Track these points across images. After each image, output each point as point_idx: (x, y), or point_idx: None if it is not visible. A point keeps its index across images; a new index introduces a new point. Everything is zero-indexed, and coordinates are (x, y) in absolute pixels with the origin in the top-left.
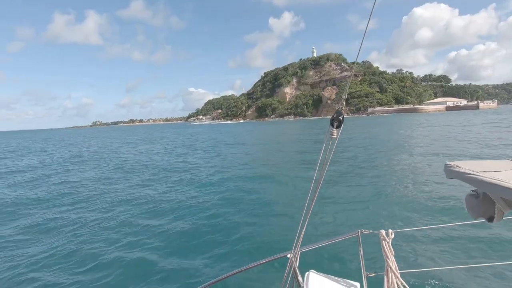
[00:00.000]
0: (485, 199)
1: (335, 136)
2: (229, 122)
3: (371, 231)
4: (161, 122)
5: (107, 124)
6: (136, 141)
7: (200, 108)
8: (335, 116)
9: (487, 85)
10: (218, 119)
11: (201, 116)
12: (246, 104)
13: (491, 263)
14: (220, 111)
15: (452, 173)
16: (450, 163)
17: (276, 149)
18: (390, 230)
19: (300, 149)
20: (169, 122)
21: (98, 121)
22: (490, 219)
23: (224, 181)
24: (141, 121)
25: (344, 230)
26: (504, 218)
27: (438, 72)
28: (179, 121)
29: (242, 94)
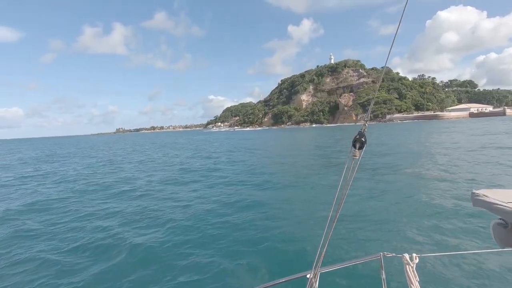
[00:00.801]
0: None
1: (357, 158)
2: (245, 129)
3: (394, 254)
4: (181, 129)
5: (130, 131)
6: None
7: (219, 115)
8: (357, 137)
9: None
10: (235, 126)
11: (219, 123)
12: (263, 111)
13: None
14: (237, 118)
15: (479, 202)
16: (477, 191)
17: (295, 160)
18: (414, 254)
19: (320, 160)
20: (188, 129)
21: (121, 128)
22: None
23: (242, 192)
24: (161, 128)
25: (366, 251)
26: None
27: (465, 77)
28: (197, 128)
29: (259, 102)
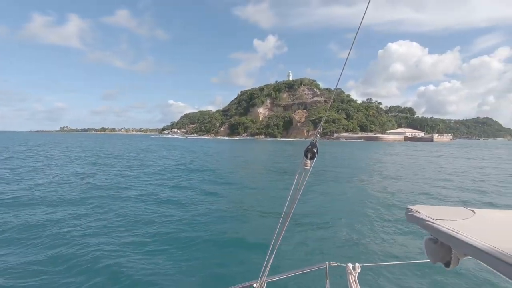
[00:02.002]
0: (443, 245)
1: (308, 168)
2: (199, 137)
3: (338, 263)
4: (134, 132)
5: (76, 130)
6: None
7: (176, 121)
8: (309, 147)
9: (450, 119)
10: (192, 134)
11: (175, 129)
12: (220, 121)
13: None
14: (194, 125)
15: (412, 218)
16: (411, 207)
17: (246, 171)
18: (357, 264)
19: (274, 170)
20: (143, 133)
21: (67, 126)
22: (447, 264)
23: (187, 203)
24: (113, 130)
25: (312, 261)
26: (461, 262)
27: (409, 104)
28: (153, 133)
29: (218, 111)
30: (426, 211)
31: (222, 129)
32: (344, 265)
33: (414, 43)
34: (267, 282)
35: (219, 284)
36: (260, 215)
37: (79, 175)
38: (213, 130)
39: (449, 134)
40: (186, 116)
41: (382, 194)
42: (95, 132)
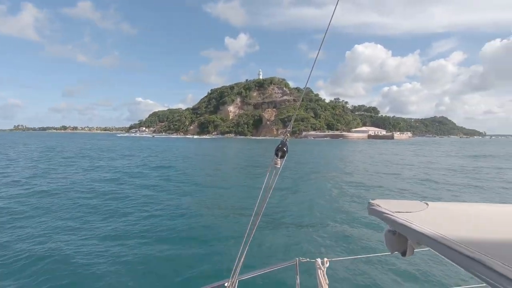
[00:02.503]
0: (400, 236)
1: (279, 166)
2: (167, 136)
3: (308, 259)
4: (99, 131)
5: (33, 129)
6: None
7: (144, 119)
8: (279, 146)
9: (410, 118)
10: (160, 132)
11: (143, 128)
12: (190, 119)
13: (418, 283)
14: (163, 123)
15: (372, 211)
16: (372, 201)
17: (216, 171)
18: (325, 259)
19: (245, 169)
20: (108, 131)
21: (21, 125)
22: (404, 253)
23: (156, 204)
24: (75, 128)
25: (283, 257)
26: (415, 251)
27: (374, 104)
28: (119, 131)
29: (187, 109)
30: (385, 205)
31: (191, 127)
32: (314, 260)
33: (379, 46)
34: (238, 281)
35: (190, 285)
36: (231, 214)
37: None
38: (182, 128)
39: (409, 132)
40: (154, 114)
41: (346, 190)
42: (55, 131)
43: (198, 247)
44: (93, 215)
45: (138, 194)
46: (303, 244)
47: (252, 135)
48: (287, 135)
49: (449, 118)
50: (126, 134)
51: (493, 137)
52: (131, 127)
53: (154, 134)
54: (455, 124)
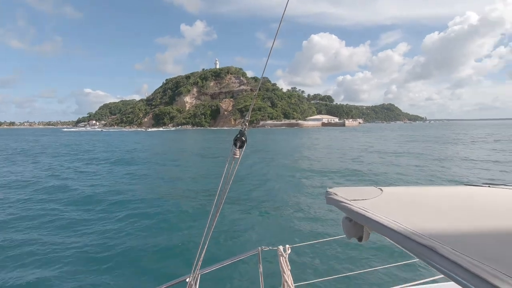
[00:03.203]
0: (356, 223)
1: (238, 156)
2: (119, 129)
3: (270, 247)
4: (41, 127)
5: None
6: None
7: (94, 112)
8: (238, 136)
9: (362, 106)
10: (111, 126)
11: (93, 121)
12: (144, 111)
13: (373, 267)
14: (115, 116)
15: (330, 200)
16: (330, 190)
17: (173, 165)
18: (287, 246)
19: (203, 160)
20: (52, 126)
21: None
22: (360, 239)
23: (113, 199)
24: (12, 124)
25: (246, 247)
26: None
27: (330, 93)
28: (65, 126)
29: (141, 100)
30: (342, 193)
31: (146, 119)
32: (276, 248)
33: (334, 36)
34: (200, 275)
35: (150, 282)
36: (190, 207)
37: None
38: (136, 121)
39: (359, 119)
40: (106, 106)
41: (304, 177)
42: None
43: (157, 243)
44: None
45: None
46: (266, 233)
47: (209, 126)
48: (246, 125)
49: (396, 105)
50: (73, 129)
51: (431, 122)
52: (79, 121)
53: (102, 128)
54: (400, 110)
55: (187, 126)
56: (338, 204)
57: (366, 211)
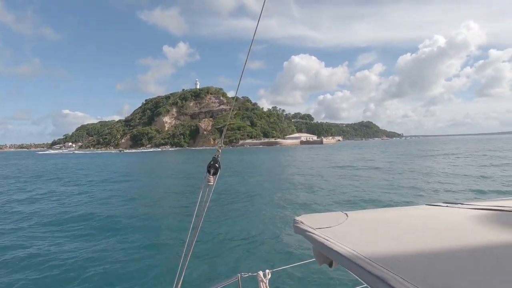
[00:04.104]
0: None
1: (212, 183)
2: (94, 151)
3: (250, 273)
4: (13, 149)
5: None
6: None
7: (70, 133)
8: (211, 163)
9: (342, 123)
10: (87, 147)
11: (69, 143)
12: (122, 132)
13: None
14: (92, 138)
15: (297, 229)
16: (297, 218)
17: (150, 188)
18: (267, 271)
19: (177, 188)
20: (25, 149)
21: None
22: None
23: (83, 224)
24: None
25: (225, 274)
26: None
27: (311, 111)
28: (39, 148)
29: (119, 121)
30: (309, 221)
31: (123, 140)
32: (255, 274)
33: (313, 57)
34: None
35: None
36: (165, 236)
37: None
38: (113, 142)
39: (337, 137)
40: (83, 127)
41: (281, 198)
42: None
43: (130, 275)
44: None
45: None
46: (245, 258)
47: (189, 146)
48: (219, 151)
49: (374, 122)
50: (48, 151)
51: (408, 138)
52: (54, 143)
53: (74, 150)
54: (378, 127)
55: (166, 146)
56: (304, 233)
57: (328, 241)
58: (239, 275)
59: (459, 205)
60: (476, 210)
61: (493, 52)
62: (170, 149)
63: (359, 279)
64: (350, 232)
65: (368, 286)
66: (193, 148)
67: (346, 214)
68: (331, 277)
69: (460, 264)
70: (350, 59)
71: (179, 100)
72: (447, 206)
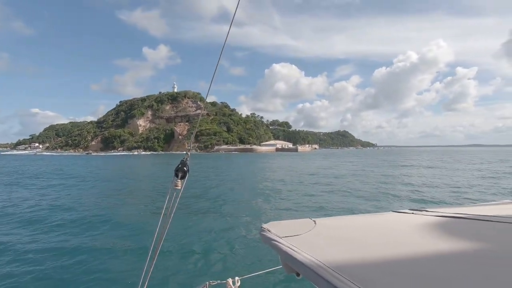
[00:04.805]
0: None
1: (180, 188)
2: (62, 153)
3: (219, 281)
4: None
5: None
6: None
7: (37, 134)
8: (179, 166)
9: (320, 132)
10: (54, 149)
11: (36, 144)
12: (93, 133)
13: None
14: (60, 139)
15: (264, 238)
16: (264, 226)
17: (113, 193)
18: (236, 278)
19: (143, 192)
20: None
21: None
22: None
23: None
24: None
25: (192, 283)
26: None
27: (291, 119)
28: (2, 148)
29: (91, 122)
30: (276, 229)
31: (94, 142)
32: (224, 281)
33: (294, 66)
34: None
35: None
36: (127, 244)
37: None
38: (83, 144)
39: (315, 145)
40: (52, 128)
41: (250, 205)
42: None
43: (92, 279)
44: None
45: None
46: (214, 266)
47: (163, 150)
48: (188, 155)
49: (350, 131)
50: (11, 152)
51: (381, 148)
52: (19, 143)
53: (37, 152)
54: (354, 137)
55: (139, 150)
56: (270, 242)
57: (294, 251)
58: (207, 283)
59: (424, 212)
60: (440, 217)
61: (460, 70)
62: (142, 153)
63: None
64: (316, 241)
65: None
66: (167, 153)
67: (314, 221)
68: (301, 285)
69: (422, 272)
70: (329, 70)
71: (155, 103)
72: (412, 213)
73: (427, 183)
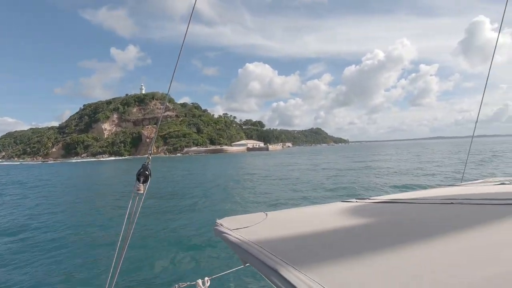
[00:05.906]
0: None
1: (142, 192)
2: (17, 162)
3: (188, 282)
4: None
5: None
6: None
7: None
8: (141, 170)
9: (294, 130)
10: (11, 157)
11: None
12: (54, 140)
13: None
14: (17, 147)
15: (216, 232)
16: (218, 221)
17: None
18: (206, 278)
19: (107, 197)
20: None
21: None
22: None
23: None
24: None
25: (161, 285)
26: None
27: (266, 118)
28: None
29: (52, 128)
30: (228, 223)
31: (54, 149)
32: (194, 282)
33: (267, 66)
34: None
35: None
36: (90, 251)
37: None
38: (43, 151)
39: (288, 143)
40: (10, 135)
41: (213, 204)
42: None
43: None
44: None
45: None
46: (182, 267)
47: (130, 155)
48: (149, 158)
49: (324, 129)
50: None
51: (352, 143)
52: None
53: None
54: (327, 133)
55: (104, 155)
56: (221, 235)
57: (241, 241)
58: (176, 285)
59: (367, 200)
60: (378, 203)
61: (423, 67)
62: (108, 158)
63: (267, 279)
64: (265, 231)
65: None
66: (135, 157)
67: (266, 214)
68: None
69: (357, 250)
70: (301, 69)
71: (121, 105)
72: (356, 201)
73: (379, 174)
